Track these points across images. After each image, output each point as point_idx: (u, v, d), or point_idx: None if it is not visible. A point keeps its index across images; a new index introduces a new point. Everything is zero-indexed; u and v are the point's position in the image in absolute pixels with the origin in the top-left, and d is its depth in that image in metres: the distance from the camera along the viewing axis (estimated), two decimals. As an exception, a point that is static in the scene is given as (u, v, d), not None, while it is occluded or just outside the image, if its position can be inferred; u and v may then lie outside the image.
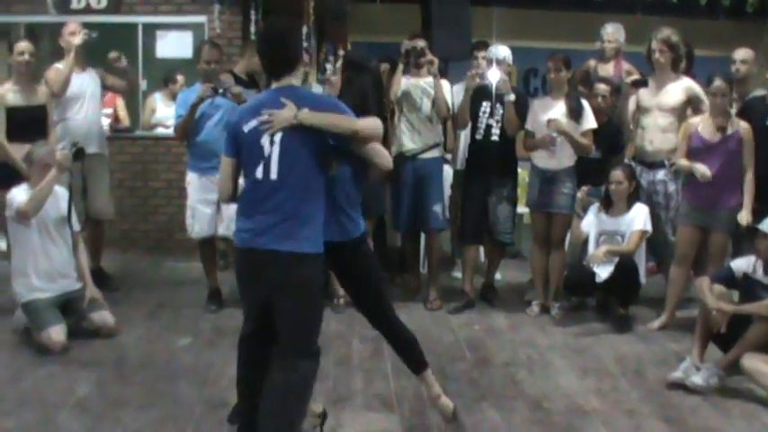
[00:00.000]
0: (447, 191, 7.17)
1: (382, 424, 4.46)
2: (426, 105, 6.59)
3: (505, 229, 6.75)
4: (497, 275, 7.23)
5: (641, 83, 6.50)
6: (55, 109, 6.69)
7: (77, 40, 6.64)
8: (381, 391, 4.88)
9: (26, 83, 6.45)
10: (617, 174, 6.27)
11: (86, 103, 6.84)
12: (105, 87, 7.10)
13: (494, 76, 6.45)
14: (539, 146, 6.45)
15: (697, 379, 4.87)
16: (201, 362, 5.37)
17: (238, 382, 3.92)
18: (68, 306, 5.75)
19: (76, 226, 5.93)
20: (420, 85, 6.60)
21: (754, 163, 5.86)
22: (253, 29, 8.17)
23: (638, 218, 6.21)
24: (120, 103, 8.61)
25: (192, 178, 6.54)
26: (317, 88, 6.63)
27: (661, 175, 6.44)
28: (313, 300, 3.72)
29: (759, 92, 6.34)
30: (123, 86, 7.29)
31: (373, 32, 9.54)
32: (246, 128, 3.64)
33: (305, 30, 7.99)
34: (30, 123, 6.34)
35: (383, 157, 3.83)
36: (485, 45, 6.98)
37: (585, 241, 6.45)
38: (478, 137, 6.68)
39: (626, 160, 6.74)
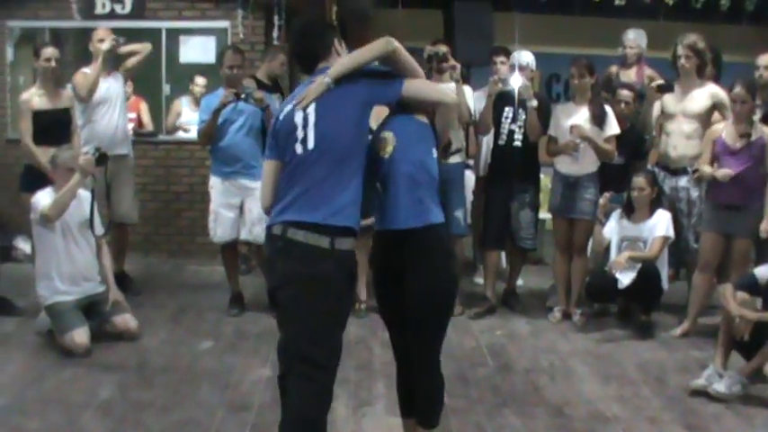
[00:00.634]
0: (469, 196, 7.16)
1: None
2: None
3: (528, 234, 6.74)
4: (519, 281, 7.22)
5: (666, 88, 6.46)
6: (81, 113, 6.77)
7: (106, 45, 6.72)
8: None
9: (51, 87, 6.51)
10: (639, 180, 6.25)
11: (112, 107, 6.90)
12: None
13: (516, 82, 6.44)
14: (562, 152, 6.44)
15: (720, 386, 4.83)
16: (223, 365, 5.39)
17: None
18: (91, 309, 5.78)
19: (99, 230, 5.96)
20: (442, 91, 6.58)
21: (778, 169, 5.83)
22: (275, 34, 8.20)
23: (661, 224, 6.17)
24: (144, 107, 8.66)
25: (214, 182, 6.56)
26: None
27: (684, 181, 6.41)
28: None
29: (784, 97, 6.29)
30: (140, 59, 7.20)
31: (395, 38, 9.51)
32: (282, 115, 3.46)
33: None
34: (55, 127, 6.41)
35: (438, 91, 3.59)
36: (503, 50, 6.96)
37: (607, 248, 6.43)
38: (501, 142, 6.68)
39: (648, 166, 6.72)
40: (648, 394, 5.03)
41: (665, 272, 6.31)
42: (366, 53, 3.41)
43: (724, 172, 5.80)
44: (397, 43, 3.42)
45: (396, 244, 3.47)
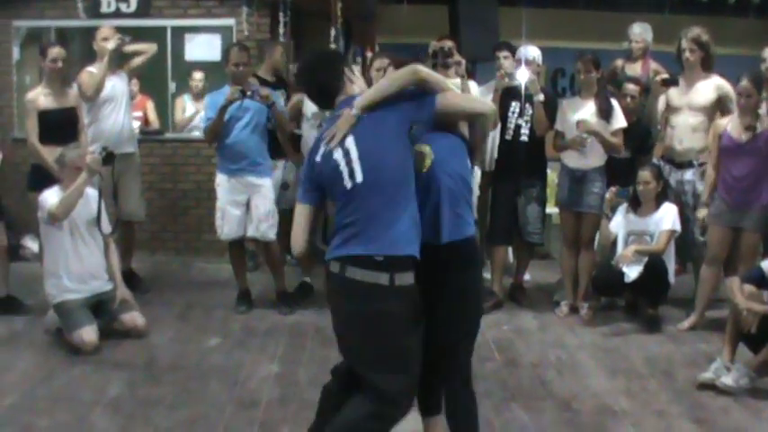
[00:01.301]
0: (475, 191, 7.15)
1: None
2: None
3: (534, 229, 6.74)
4: (526, 276, 7.23)
5: (671, 81, 6.45)
6: (87, 112, 6.78)
7: (111, 44, 6.72)
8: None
9: (57, 86, 6.53)
10: (644, 174, 6.24)
11: (117, 106, 6.91)
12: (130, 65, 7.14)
13: (523, 77, 6.43)
14: (569, 147, 6.44)
15: (727, 380, 4.83)
16: (231, 362, 5.40)
17: None
18: (99, 307, 5.81)
19: (106, 228, 5.97)
20: (448, 86, 6.57)
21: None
22: (281, 30, 8.20)
23: (667, 217, 6.17)
24: (150, 105, 8.68)
25: (221, 180, 6.57)
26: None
27: (689, 174, 6.42)
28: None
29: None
30: (144, 60, 7.22)
31: (400, 34, 9.53)
32: (319, 157, 3.38)
33: (333, 32, 8.01)
34: (61, 126, 6.43)
35: (474, 101, 3.52)
36: (506, 45, 6.94)
37: (614, 242, 6.43)
38: (508, 137, 6.67)
39: (654, 160, 6.71)
40: (656, 388, 5.03)
41: (671, 265, 6.30)
42: (393, 84, 3.34)
43: None
44: (424, 70, 3.36)
45: (432, 258, 3.36)
